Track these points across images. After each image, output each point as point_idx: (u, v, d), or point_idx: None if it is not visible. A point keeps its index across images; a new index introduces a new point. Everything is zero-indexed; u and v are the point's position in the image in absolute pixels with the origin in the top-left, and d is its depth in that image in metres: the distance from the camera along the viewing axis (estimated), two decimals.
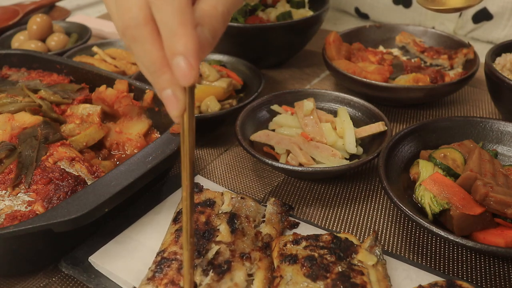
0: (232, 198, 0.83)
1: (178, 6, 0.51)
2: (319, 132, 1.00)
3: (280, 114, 1.08)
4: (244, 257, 0.71)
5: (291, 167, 0.92)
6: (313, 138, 0.99)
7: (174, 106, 0.54)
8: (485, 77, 1.11)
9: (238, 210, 0.80)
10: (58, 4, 1.92)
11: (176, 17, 0.51)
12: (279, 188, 0.97)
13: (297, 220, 0.83)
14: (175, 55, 0.51)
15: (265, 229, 0.78)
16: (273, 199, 0.85)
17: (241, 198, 0.83)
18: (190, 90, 0.55)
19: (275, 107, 1.09)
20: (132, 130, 0.96)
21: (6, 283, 0.78)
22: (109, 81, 1.04)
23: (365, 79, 1.14)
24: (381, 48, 1.38)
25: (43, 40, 1.47)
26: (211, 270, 0.68)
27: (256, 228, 0.79)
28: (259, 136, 1.02)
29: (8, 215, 0.76)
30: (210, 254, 0.70)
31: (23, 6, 1.76)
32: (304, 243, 0.72)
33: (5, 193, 0.81)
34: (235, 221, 0.76)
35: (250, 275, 0.71)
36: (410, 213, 0.76)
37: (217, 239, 0.73)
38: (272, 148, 1.02)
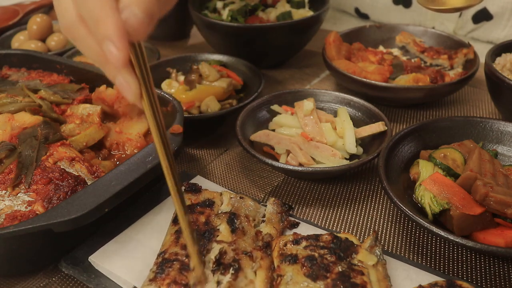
0: (231, 198, 0.83)
1: None
2: (319, 132, 1.00)
3: (280, 114, 1.08)
4: (247, 255, 0.71)
5: (291, 167, 0.92)
6: (313, 138, 0.99)
7: (128, 91, 0.57)
8: (485, 77, 1.11)
9: (237, 210, 0.80)
10: None
11: (96, 6, 0.54)
12: (279, 188, 0.97)
13: (297, 220, 0.83)
14: (102, 41, 0.54)
15: (265, 229, 0.78)
16: (273, 199, 0.85)
17: (240, 198, 0.83)
18: (142, 73, 0.57)
19: (275, 107, 1.09)
20: (132, 130, 0.96)
21: (6, 283, 0.78)
22: (109, 81, 1.03)
23: (365, 79, 1.14)
24: (381, 48, 1.38)
25: (43, 40, 1.47)
26: (225, 270, 0.68)
27: (256, 228, 0.79)
28: (259, 136, 1.02)
29: (8, 215, 0.76)
30: (213, 254, 0.70)
31: (23, 6, 1.76)
32: (304, 243, 0.72)
33: (5, 193, 0.81)
34: (235, 220, 0.76)
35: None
36: (410, 213, 0.76)
37: (218, 238, 0.73)
38: (272, 148, 1.02)
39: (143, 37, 0.55)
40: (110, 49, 0.54)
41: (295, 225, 0.82)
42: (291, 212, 0.87)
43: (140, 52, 0.57)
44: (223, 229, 0.75)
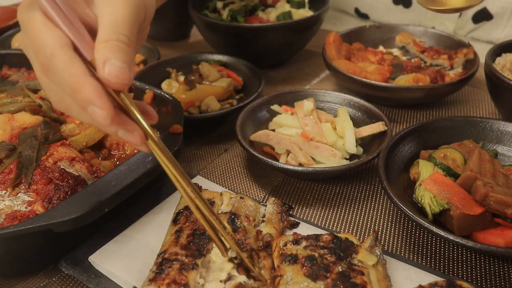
0: (231, 198, 0.83)
1: (62, 69, 0.57)
2: (319, 132, 1.00)
3: (280, 114, 1.08)
4: (253, 252, 0.72)
5: (291, 167, 0.92)
6: (313, 138, 0.99)
7: (134, 138, 0.60)
8: (485, 77, 1.11)
9: (237, 209, 0.80)
10: None
11: (68, 78, 0.57)
12: (279, 188, 0.97)
13: (297, 220, 0.83)
14: (85, 108, 0.57)
15: (265, 228, 0.78)
16: (273, 199, 0.85)
17: (240, 198, 0.83)
18: (136, 116, 0.60)
19: (275, 107, 1.09)
20: None
21: (6, 283, 0.78)
22: None
23: (365, 79, 1.14)
24: (381, 48, 1.38)
25: None
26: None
27: (256, 227, 0.79)
28: (259, 136, 1.02)
29: (8, 215, 0.76)
30: (214, 255, 0.70)
31: None
32: (304, 243, 0.72)
33: (5, 193, 0.81)
34: (236, 220, 0.76)
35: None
36: (410, 213, 0.76)
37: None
38: (272, 148, 1.02)
39: (128, 84, 0.57)
40: (95, 112, 0.56)
41: (295, 225, 0.82)
42: (291, 212, 0.87)
43: (126, 98, 0.60)
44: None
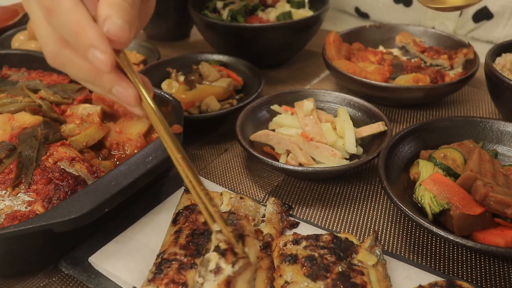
0: (231, 198, 0.83)
1: (67, 13, 0.57)
2: (319, 132, 1.00)
3: (280, 114, 1.08)
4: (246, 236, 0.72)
5: (291, 167, 0.92)
6: (313, 138, 0.99)
7: (127, 97, 0.61)
8: (485, 77, 1.11)
9: (237, 209, 0.80)
10: None
11: (72, 22, 0.57)
12: (279, 188, 0.97)
13: (297, 220, 0.83)
14: (86, 51, 0.57)
15: (265, 229, 0.78)
16: (273, 199, 0.85)
17: (240, 198, 0.83)
18: (133, 77, 0.61)
19: (275, 107, 1.09)
20: (132, 130, 0.96)
21: (6, 283, 0.78)
22: None
23: (365, 79, 1.14)
24: (381, 48, 1.38)
25: None
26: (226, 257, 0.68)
27: (256, 227, 0.79)
28: (259, 136, 1.02)
29: (8, 215, 0.76)
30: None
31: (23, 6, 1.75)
32: (304, 243, 0.72)
33: (5, 193, 0.81)
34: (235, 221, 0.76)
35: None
36: (410, 213, 0.76)
37: None
38: (272, 148, 1.02)
39: (126, 44, 0.58)
40: (96, 55, 0.57)
41: (295, 225, 0.82)
42: (291, 212, 0.87)
43: (125, 59, 0.61)
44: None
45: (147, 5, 0.69)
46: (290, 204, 0.90)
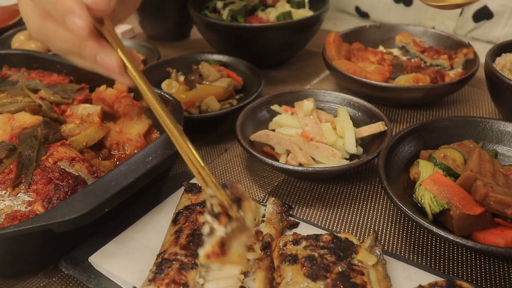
0: None
1: None
2: (319, 132, 1.00)
3: (280, 114, 1.08)
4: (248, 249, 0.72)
5: (291, 167, 0.92)
6: (313, 138, 0.99)
7: (111, 65, 0.62)
8: (485, 77, 1.11)
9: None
10: None
11: None
12: (279, 188, 0.97)
13: (297, 220, 0.83)
14: (65, 18, 0.59)
15: (265, 229, 0.78)
16: (273, 199, 0.85)
17: None
18: (119, 45, 0.63)
19: (275, 107, 1.09)
20: (132, 130, 0.96)
21: (6, 283, 0.78)
22: (109, 81, 1.04)
23: (365, 79, 1.14)
24: (381, 48, 1.38)
25: None
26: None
27: (256, 227, 0.79)
28: (259, 136, 1.02)
29: (8, 215, 0.76)
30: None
31: None
32: (304, 243, 0.72)
33: (5, 193, 0.81)
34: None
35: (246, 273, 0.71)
36: (410, 213, 0.76)
37: None
38: (272, 148, 1.02)
39: (106, 11, 0.60)
40: (74, 21, 0.58)
41: (295, 225, 0.82)
42: (291, 212, 0.87)
43: (110, 29, 0.63)
44: None
45: None
46: (290, 204, 0.90)
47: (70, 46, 0.64)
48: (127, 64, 0.64)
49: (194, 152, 0.66)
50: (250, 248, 0.72)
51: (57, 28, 0.64)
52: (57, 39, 0.65)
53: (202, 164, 0.66)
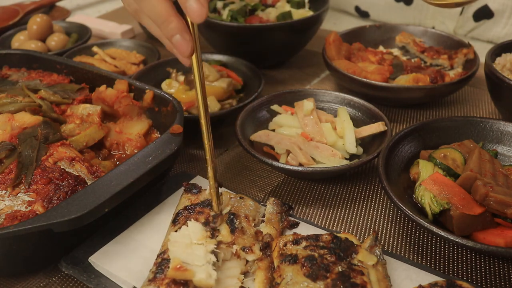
0: (231, 198, 0.83)
1: (157, 3, 0.69)
2: (319, 132, 1.00)
3: (280, 114, 1.08)
4: (245, 250, 0.72)
5: (291, 167, 0.92)
6: (313, 138, 0.99)
7: (184, 48, 0.68)
8: (485, 77, 1.11)
9: (237, 209, 0.80)
10: (58, 4, 1.92)
11: (159, 9, 0.69)
12: (279, 188, 0.97)
13: (297, 220, 0.83)
14: (171, 36, 0.68)
15: (265, 229, 0.78)
16: (273, 199, 0.85)
17: (240, 198, 0.83)
18: (195, 35, 0.70)
19: (275, 107, 1.09)
20: (132, 130, 0.96)
21: (6, 283, 0.78)
22: (109, 81, 1.04)
23: (365, 79, 1.14)
24: (381, 48, 1.38)
25: (43, 40, 1.47)
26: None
27: (256, 227, 0.79)
28: (259, 136, 1.02)
29: (8, 215, 0.76)
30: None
31: (23, 6, 1.76)
32: (304, 243, 0.72)
33: (5, 193, 0.81)
34: (235, 220, 0.76)
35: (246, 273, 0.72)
36: (410, 213, 0.76)
37: (218, 239, 0.73)
38: (272, 148, 1.02)
39: (201, 19, 0.67)
40: (180, 42, 0.68)
41: (295, 225, 0.82)
42: (291, 212, 0.87)
43: (192, 24, 0.70)
44: (223, 229, 0.75)
45: None
46: (290, 204, 0.90)
47: (154, 16, 0.71)
48: (196, 50, 0.70)
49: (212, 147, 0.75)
50: (248, 250, 0.72)
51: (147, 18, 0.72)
52: (147, 5, 0.71)
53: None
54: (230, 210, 0.80)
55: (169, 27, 0.69)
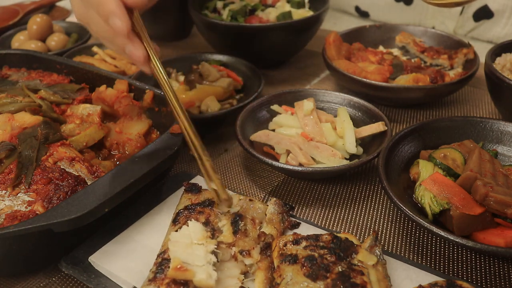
0: (240, 199, 0.82)
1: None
2: (319, 132, 1.00)
3: (280, 114, 1.08)
4: (243, 253, 0.72)
5: (291, 167, 0.92)
6: (313, 138, 0.99)
7: (138, 55, 0.74)
8: (485, 77, 1.11)
9: (245, 211, 0.80)
10: (58, 4, 1.92)
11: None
12: (279, 188, 0.97)
13: (298, 221, 0.83)
14: (107, 18, 0.71)
15: (266, 229, 0.78)
16: (274, 199, 0.85)
17: (250, 200, 0.83)
18: (146, 39, 0.75)
19: (275, 107, 1.09)
20: (132, 130, 0.96)
21: (6, 283, 0.78)
22: (109, 81, 1.04)
23: (365, 79, 1.14)
24: (381, 48, 1.38)
25: (43, 40, 1.47)
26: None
27: (260, 230, 0.78)
28: (259, 136, 1.02)
29: (8, 215, 0.76)
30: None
31: (23, 6, 1.76)
32: (304, 243, 0.72)
33: (5, 193, 0.81)
34: (239, 222, 0.76)
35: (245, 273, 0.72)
36: (410, 213, 0.76)
37: (219, 239, 0.73)
38: (272, 148, 1.02)
39: (140, 4, 0.71)
40: (115, 22, 0.70)
41: (296, 225, 0.82)
42: (291, 212, 0.87)
43: (138, 21, 0.73)
44: (226, 229, 0.75)
45: None
46: (291, 204, 0.89)
47: (105, 34, 0.76)
48: (151, 55, 0.74)
49: (203, 147, 0.76)
50: (246, 253, 0.72)
51: (97, 17, 0.74)
52: (95, 26, 0.76)
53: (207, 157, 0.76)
54: (238, 211, 0.80)
55: (118, 41, 0.74)
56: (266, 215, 0.82)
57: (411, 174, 0.91)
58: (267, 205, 0.84)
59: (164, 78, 0.76)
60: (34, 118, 0.93)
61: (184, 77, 1.23)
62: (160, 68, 0.76)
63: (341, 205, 0.93)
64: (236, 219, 0.77)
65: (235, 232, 0.74)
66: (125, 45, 0.73)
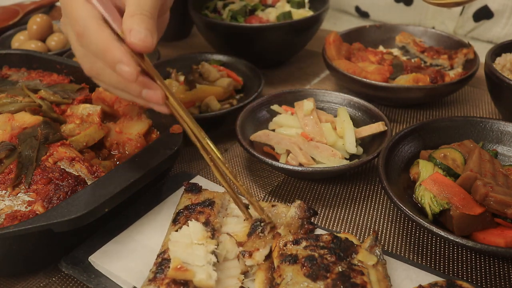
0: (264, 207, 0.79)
1: (94, 35, 0.69)
2: (319, 132, 1.00)
3: (280, 114, 1.08)
4: (244, 254, 0.72)
5: (291, 167, 0.92)
6: (313, 138, 0.99)
7: (156, 98, 0.71)
8: (485, 77, 1.11)
9: (271, 218, 0.77)
10: (58, 4, 1.92)
11: (99, 43, 0.69)
12: (279, 188, 0.97)
13: (315, 227, 0.79)
14: (114, 66, 0.68)
15: (281, 231, 0.76)
16: (299, 202, 0.79)
17: (272, 206, 0.80)
18: (159, 79, 0.72)
19: (275, 107, 1.09)
20: (132, 130, 0.96)
21: (6, 283, 0.78)
22: None
23: (365, 79, 1.14)
24: (381, 48, 1.38)
25: (43, 40, 1.47)
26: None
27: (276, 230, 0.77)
28: (259, 136, 1.02)
29: (8, 215, 0.76)
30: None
31: (23, 6, 1.76)
32: (304, 243, 0.72)
33: (5, 193, 0.81)
34: (258, 228, 0.75)
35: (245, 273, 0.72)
36: (410, 213, 0.76)
37: (232, 232, 0.74)
38: (272, 148, 1.02)
39: (151, 47, 0.68)
40: (122, 69, 0.67)
41: (311, 231, 0.79)
42: (314, 218, 0.83)
43: (149, 63, 0.71)
44: (240, 228, 0.75)
45: (163, 18, 0.81)
46: (315, 209, 0.81)
47: (117, 84, 0.73)
48: (168, 95, 0.72)
49: (230, 169, 0.76)
50: (248, 254, 0.72)
51: (106, 67, 0.71)
52: (106, 77, 0.73)
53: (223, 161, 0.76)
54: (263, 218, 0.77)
55: (132, 88, 0.72)
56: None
57: (411, 174, 0.91)
58: (290, 207, 0.79)
59: (185, 113, 0.74)
60: (34, 118, 0.93)
61: (184, 77, 1.23)
62: (178, 106, 0.73)
63: (341, 205, 0.93)
64: (257, 223, 0.75)
65: (249, 234, 0.74)
66: (140, 90, 0.71)
